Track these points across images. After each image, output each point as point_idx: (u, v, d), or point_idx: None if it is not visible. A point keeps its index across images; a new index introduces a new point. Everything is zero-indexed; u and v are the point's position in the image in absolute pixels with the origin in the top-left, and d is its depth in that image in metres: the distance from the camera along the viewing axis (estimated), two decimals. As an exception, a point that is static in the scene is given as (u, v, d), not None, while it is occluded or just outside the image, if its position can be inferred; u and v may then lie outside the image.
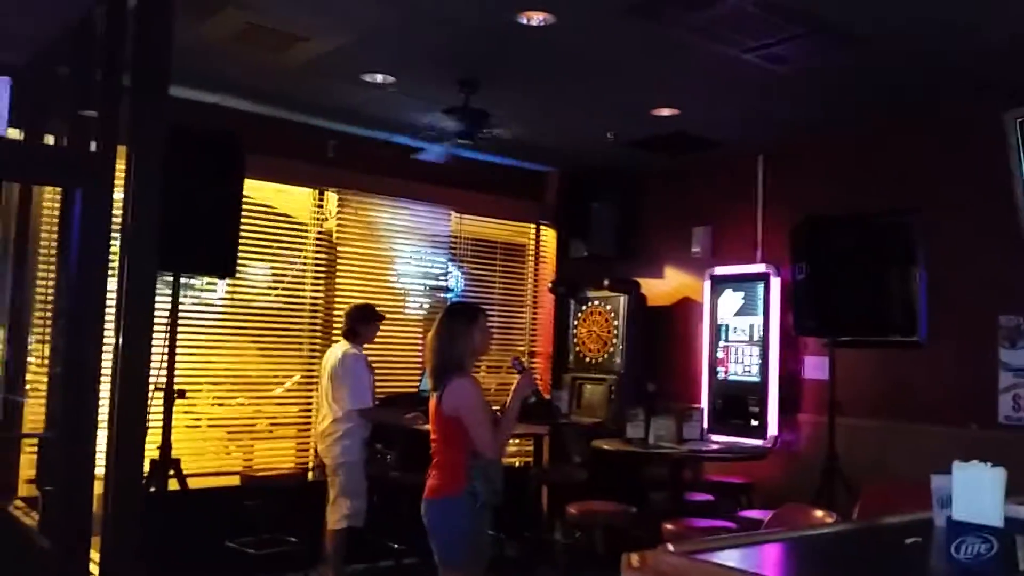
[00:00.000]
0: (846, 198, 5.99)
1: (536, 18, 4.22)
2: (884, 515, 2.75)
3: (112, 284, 2.51)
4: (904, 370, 5.71)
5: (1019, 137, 4.86)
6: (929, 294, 5.57)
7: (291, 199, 6.38)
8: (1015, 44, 4.41)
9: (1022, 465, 4.58)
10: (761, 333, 6.41)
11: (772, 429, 6.23)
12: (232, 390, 6.12)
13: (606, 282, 7.17)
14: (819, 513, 3.34)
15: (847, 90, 5.27)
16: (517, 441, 6.94)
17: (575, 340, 7.47)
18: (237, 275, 5.69)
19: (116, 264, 2.51)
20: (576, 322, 7.51)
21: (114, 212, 2.55)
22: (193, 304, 5.86)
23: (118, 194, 2.55)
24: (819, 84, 5.14)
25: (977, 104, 5.15)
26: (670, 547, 2.08)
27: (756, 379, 6.39)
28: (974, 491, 1.99)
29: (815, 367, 6.14)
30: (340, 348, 5.65)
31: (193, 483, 5.29)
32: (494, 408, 4.06)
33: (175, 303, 4.79)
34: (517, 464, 7.13)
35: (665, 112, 5.75)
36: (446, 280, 7.18)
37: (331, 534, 5.44)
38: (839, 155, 6.19)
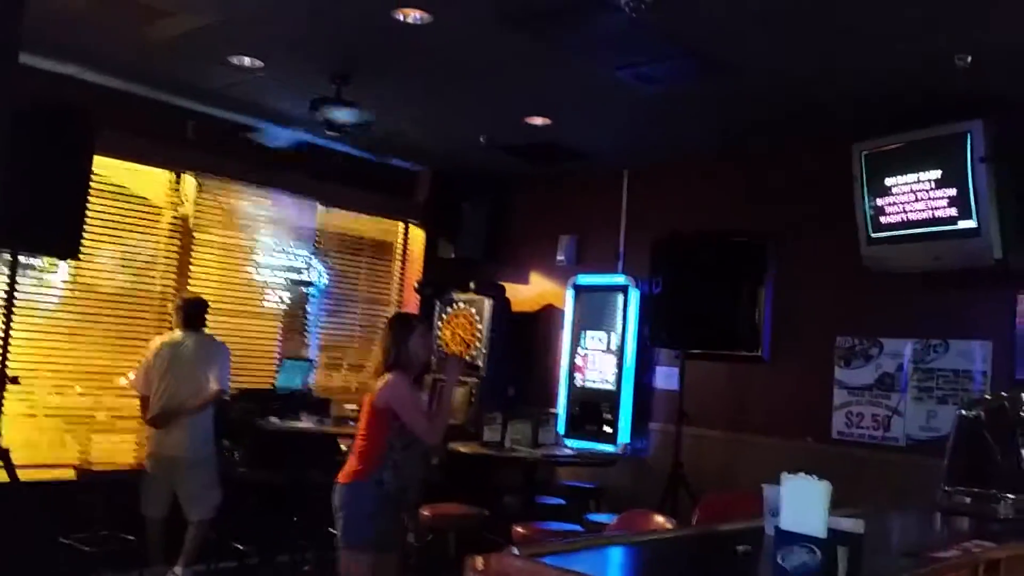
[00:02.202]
0: (704, 217, 6.22)
1: (412, 15, 4.18)
2: (720, 522, 2.86)
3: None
4: (749, 384, 5.98)
5: (863, 168, 5.18)
6: (774, 313, 5.88)
7: (146, 180, 6.09)
8: (864, 82, 4.70)
9: (852, 478, 4.87)
10: (618, 342, 6.58)
11: (624, 436, 6.40)
12: (72, 379, 5.79)
13: (472, 285, 7.19)
14: (660, 519, 3.45)
15: (711, 115, 5.48)
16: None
17: (439, 342, 7.46)
18: (82, 257, 5.42)
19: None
20: (440, 323, 7.50)
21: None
22: (33, 286, 5.53)
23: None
24: (686, 107, 5.32)
25: (827, 136, 5.45)
26: (514, 550, 2.11)
27: (611, 387, 6.55)
28: (801, 502, 2.08)
29: (666, 378, 6.35)
30: (191, 335, 5.48)
31: (25, 475, 4.99)
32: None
33: (12, 284, 4.49)
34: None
35: (537, 121, 5.82)
36: (308, 274, 7.03)
37: (198, 525, 5.35)
38: (700, 176, 6.42)
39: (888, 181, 5.08)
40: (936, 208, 4.87)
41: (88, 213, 5.21)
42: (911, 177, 4.98)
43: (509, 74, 5.00)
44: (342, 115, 5.05)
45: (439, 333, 7.46)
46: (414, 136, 6.56)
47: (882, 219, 5.11)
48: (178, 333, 5.55)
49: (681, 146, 6.21)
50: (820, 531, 2.02)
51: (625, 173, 6.88)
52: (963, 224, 4.76)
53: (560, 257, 7.18)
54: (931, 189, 4.90)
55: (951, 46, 4.12)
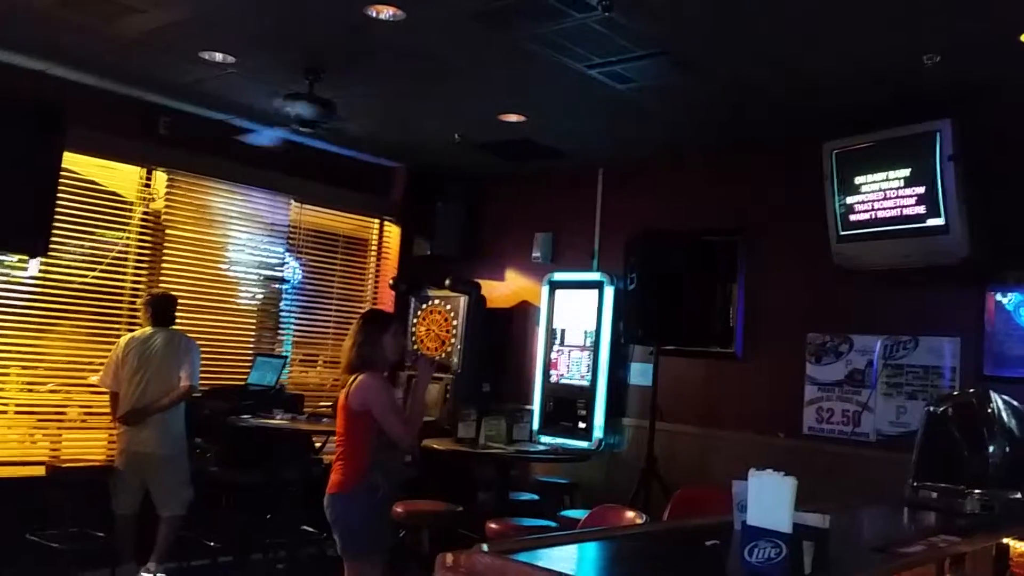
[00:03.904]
0: (678, 215, 6.25)
1: (386, 12, 4.17)
2: (691, 517, 2.89)
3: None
4: (722, 380, 6.02)
5: (833, 167, 5.22)
6: (746, 310, 5.93)
7: (116, 176, 6.03)
8: (835, 81, 4.74)
9: (823, 473, 4.93)
10: (593, 339, 6.61)
11: (598, 432, 6.43)
12: (42, 376, 5.74)
13: (447, 282, 7.18)
14: (631, 514, 3.47)
15: (684, 113, 5.50)
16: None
17: (414, 338, 7.45)
18: (53, 253, 5.38)
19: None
20: (415, 320, 7.50)
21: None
22: (2, 283, 5.46)
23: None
24: (659, 105, 5.34)
25: (798, 135, 5.49)
26: (484, 547, 2.11)
27: (586, 383, 6.58)
28: (767, 498, 2.10)
29: (640, 374, 6.38)
30: (160, 331, 5.48)
31: (-8, 472, 4.97)
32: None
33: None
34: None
35: (512, 118, 5.83)
36: (282, 270, 6.99)
37: (169, 521, 5.36)
38: (674, 173, 6.46)
39: (858, 179, 5.12)
40: (905, 206, 4.92)
41: (58, 209, 5.18)
42: (880, 175, 5.03)
43: (483, 71, 5.00)
44: (308, 111, 5.02)
45: (414, 330, 7.46)
46: (388, 133, 6.54)
47: (852, 217, 5.15)
48: (147, 330, 5.52)
49: (655, 144, 6.24)
50: (786, 526, 2.04)
51: (600, 170, 6.90)
52: (932, 222, 4.81)
53: (535, 254, 7.19)
54: (900, 187, 4.95)
55: (919, 45, 4.17)
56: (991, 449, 3.45)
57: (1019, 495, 3.33)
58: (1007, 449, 3.48)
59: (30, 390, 5.71)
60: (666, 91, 5.06)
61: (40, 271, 5.63)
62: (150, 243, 6.18)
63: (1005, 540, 3.06)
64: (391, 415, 3.93)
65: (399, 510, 5.40)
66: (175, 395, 5.38)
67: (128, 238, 6.08)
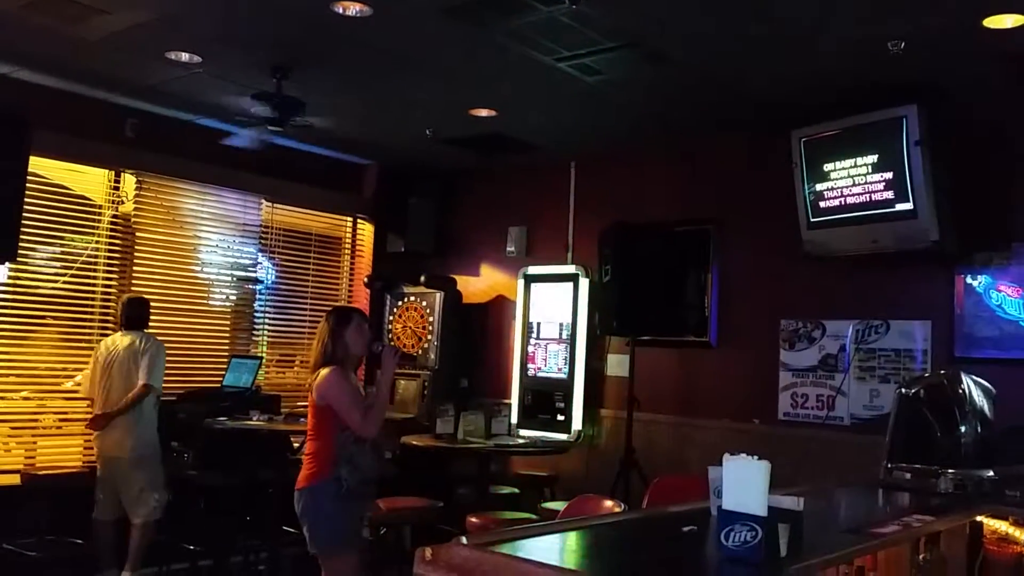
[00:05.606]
0: (651, 206, 6.29)
1: (352, 8, 4.16)
2: (669, 505, 2.91)
3: None
4: (697, 369, 6.07)
5: (802, 155, 5.27)
6: (720, 299, 5.97)
7: (85, 179, 5.98)
8: (802, 70, 4.78)
9: (798, 457, 4.97)
10: (570, 331, 6.62)
11: (576, 424, 6.45)
12: (16, 383, 5.67)
13: (422, 278, 7.18)
14: (609, 503, 3.50)
15: (654, 105, 5.53)
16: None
17: (390, 335, 7.44)
18: (21, 259, 5.32)
19: None
20: (391, 317, 7.49)
21: None
22: (-30, 289, 5.40)
23: None
24: (629, 97, 5.36)
25: (767, 124, 5.53)
26: (462, 540, 2.12)
27: (563, 376, 6.60)
28: (742, 482, 2.12)
29: (617, 365, 6.41)
30: (130, 335, 5.43)
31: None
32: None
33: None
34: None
35: (483, 113, 5.82)
36: (255, 271, 6.95)
37: (141, 528, 5.27)
38: (646, 165, 6.49)
39: (826, 166, 5.17)
40: (873, 192, 4.97)
41: (26, 214, 5.13)
42: (848, 162, 5.07)
43: (453, 66, 5.00)
44: (273, 111, 4.99)
45: (390, 327, 7.45)
46: (359, 130, 6.51)
47: (821, 204, 5.20)
48: (118, 334, 5.48)
49: (626, 136, 6.26)
50: (761, 509, 2.06)
51: (572, 163, 6.92)
52: (900, 207, 4.86)
53: (510, 248, 7.19)
54: (868, 173, 5.00)
55: (884, 33, 4.20)
56: (963, 429, 3.50)
57: (991, 474, 3.38)
58: (979, 429, 3.53)
59: (2, 398, 5.64)
60: (635, 83, 5.08)
61: (9, 277, 5.56)
62: (120, 246, 6.13)
63: (979, 518, 3.12)
64: (349, 407, 3.92)
65: (380, 507, 5.39)
66: (131, 396, 5.30)
67: (98, 242, 6.02)
